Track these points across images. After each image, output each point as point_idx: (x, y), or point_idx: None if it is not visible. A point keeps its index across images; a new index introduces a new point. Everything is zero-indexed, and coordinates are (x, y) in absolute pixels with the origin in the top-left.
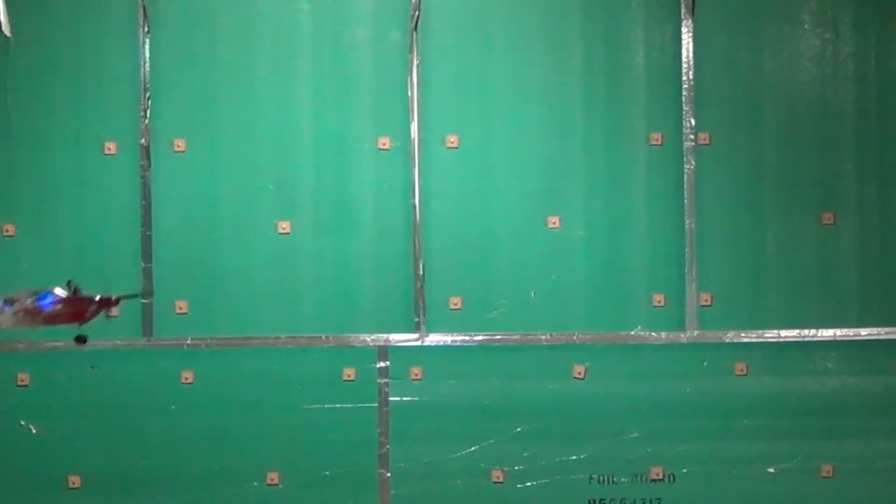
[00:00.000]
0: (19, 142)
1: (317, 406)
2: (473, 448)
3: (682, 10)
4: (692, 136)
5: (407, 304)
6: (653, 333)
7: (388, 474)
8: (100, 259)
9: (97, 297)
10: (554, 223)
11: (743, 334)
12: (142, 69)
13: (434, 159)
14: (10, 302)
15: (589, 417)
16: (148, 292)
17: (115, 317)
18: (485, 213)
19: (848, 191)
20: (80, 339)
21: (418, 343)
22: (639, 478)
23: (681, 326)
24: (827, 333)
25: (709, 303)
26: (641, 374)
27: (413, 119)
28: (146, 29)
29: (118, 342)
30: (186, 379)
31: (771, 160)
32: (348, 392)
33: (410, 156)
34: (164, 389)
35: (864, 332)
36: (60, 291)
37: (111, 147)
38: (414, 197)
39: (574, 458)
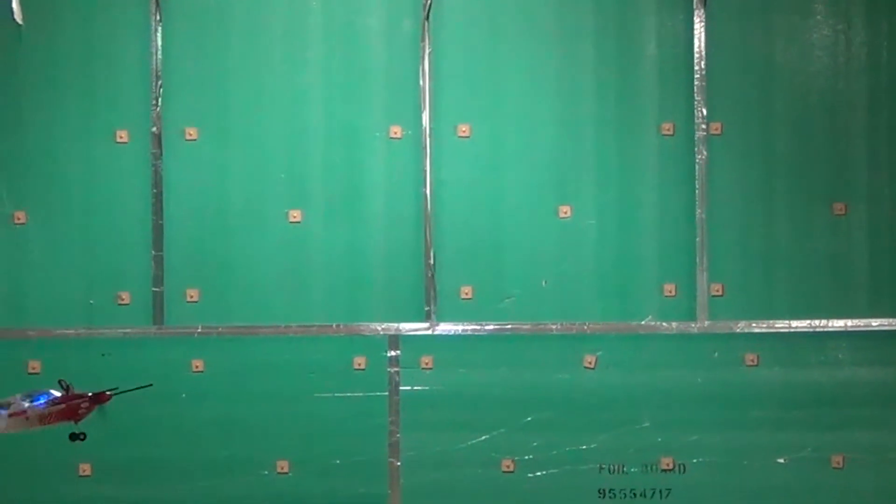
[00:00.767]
0: (30, 130)
1: (327, 395)
2: (484, 437)
3: (694, 1)
4: (704, 127)
5: (418, 294)
6: (663, 323)
7: (399, 463)
8: (110, 247)
9: (89, 394)
10: (565, 213)
11: (754, 325)
12: (154, 57)
13: (445, 149)
14: (4, 406)
15: (599, 407)
16: (143, 386)
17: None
18: (496, 203)
19: (859, 181)
20: (76, 437)
21: (429, 332)
22: (649, 468)
23: (691, 317)
24: (838, 324)
25: (720, 293)
26: (652, 364)
27: (424, 108)
28: (158, 17)
29: (129, 330)
30: (197, 367)
31: (782, 150)
32: (359, 381)
33: (422, 145)
34: (175, 378)
35: (875, 323)
36: (54, 392)
37: (122, 135)
38: (425, 186)
39: (584, 447)
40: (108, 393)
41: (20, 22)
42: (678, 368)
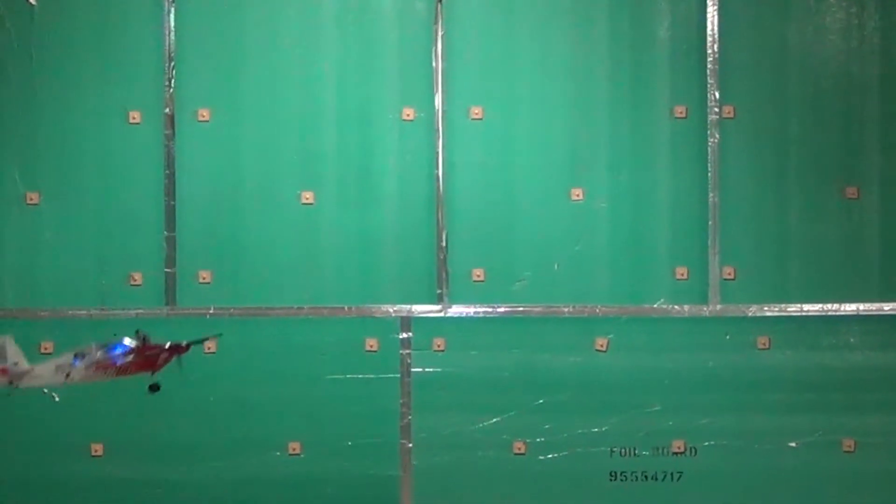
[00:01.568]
0: (43, 110)
1: (339, 376)
2: (495, 419)
3: None
4: (716, 110)
5: (430, 276)
6: (675, 307)
7: (410, 445)
8: (123, 228)
9: (167, 345)
10: (577, 195)
11: (766, 308)
12: (167, 38)
13: (458, 130)
14: (80, 356)
15: (611, 390)
16: (215, 335)
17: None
18: (508, 185)
19: (872, 165)
20: (154, 388)
21: (441, 314)
22: (660, 451)
23: (703, 300)
24: (850, 308)
25: (732, 276)
26: (664, 347)
27: (437, 90)
28: None
29: (141, 311)
30: (209, 348)
31: (795, 134)
32: (370, 363)
33: (434, 127)
34: (187, 358)
35: (887, 307)
36: (129, 341)
37: (136, 116)
38: (437, 168)
39: (596, 430)
40: (185, 344)
41: (33, 2)
42: (690, 352)
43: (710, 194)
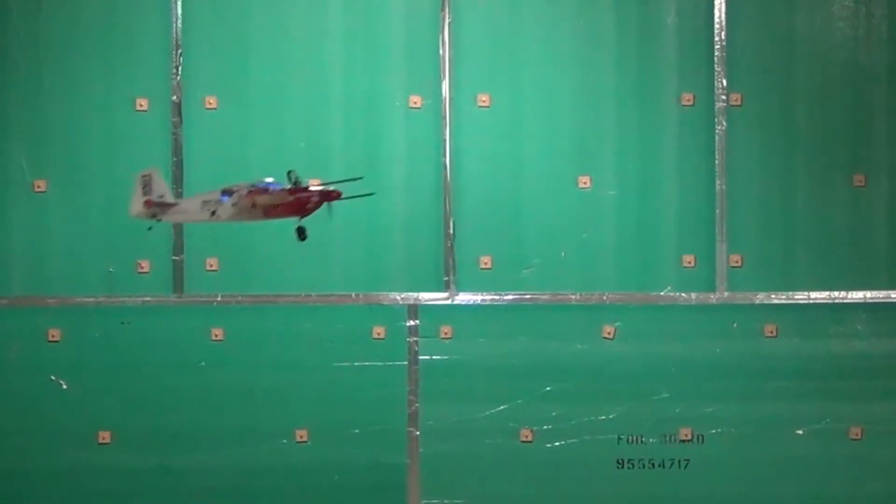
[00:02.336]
0: (50, 98)
1: (346, 364)
2: (502, 407)
3: None
4: (724, 97)
5: (437, 263)
6: (682, 294)
7: (418, 432)
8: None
9: (319, 189)
10: (584, 183)
11: (773, 296)
12: (174, 25)
13: (465, 118)
14: (228, 193)
15: (618, 378)
16: (366, 194)
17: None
18: (515, 173)
19: (879, 153)
20: (301, 232)
21: (448, 302)
22: (667, 438)
23: (711, 288)
24: (857, 296)
25: (739, 264)
26: (671, 334)
27: (444, 78)
28: None
29: (148, 298)
30: (216, 336)
31: (802, 122)
32: (378, 350)
33: (441, 115)
34: (194, 346)
35: (894, 295)
36: (280, 183)
37: (143, 103)
38: (444, 156)
39: (603, 418)
40: (337, 191)
41: None
42: (697, 339)
43: (718, 182)
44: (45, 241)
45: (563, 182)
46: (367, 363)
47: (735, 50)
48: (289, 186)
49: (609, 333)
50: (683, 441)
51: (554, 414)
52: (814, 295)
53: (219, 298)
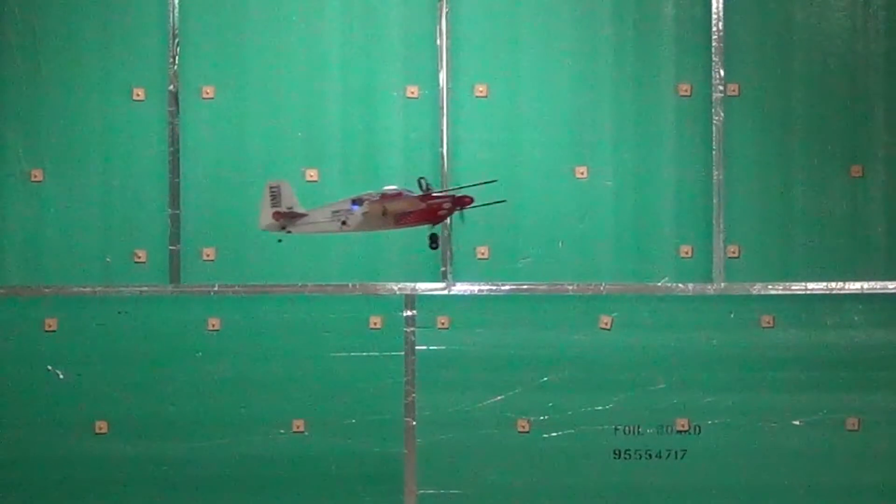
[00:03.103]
0: (48, 87)
1: (343, 354)
2: (499, 397)
3: None
4: (721, 88)
5: (434, 253)
6: (680, 285)
7: (414, 422)
8: (127, 205)
9: (451, 195)
10: (582, 174)
11: (770, 286)
12: (171, 15)
13: (462, 108)
14: (358, 202)
15: (615, 368)
16: (498, 201)
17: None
18: (513, 163)
19: (877, 144)
20: (434, 240)
21: (445, 292)
22: (664, 429)
23: (708, 278)
24: (854, 286)
25: (736, 255)
26: (668, 325)
27: (442, 68)
28: None
29: (145, 288)
30: (213, 326)
31: (800, 112)
32: (375, 340)
33: (439, 105)
34: (191, 336)
35: (891, 286)
36: (410, 191)
37: (139, 93)
38: (442, 146)
39: (600, 408)
40: (469, 197)
41: None
42: (694, 330)
43: (715, 172)
44: (42, 231)
45: (560, 172)
46: (364, 353)
47: (733, 40)
48: (420, 193)
49: (606, 324)
50: (680, 431)
51: (551, 404)
52: (811, 285)
53: (215, 288)
